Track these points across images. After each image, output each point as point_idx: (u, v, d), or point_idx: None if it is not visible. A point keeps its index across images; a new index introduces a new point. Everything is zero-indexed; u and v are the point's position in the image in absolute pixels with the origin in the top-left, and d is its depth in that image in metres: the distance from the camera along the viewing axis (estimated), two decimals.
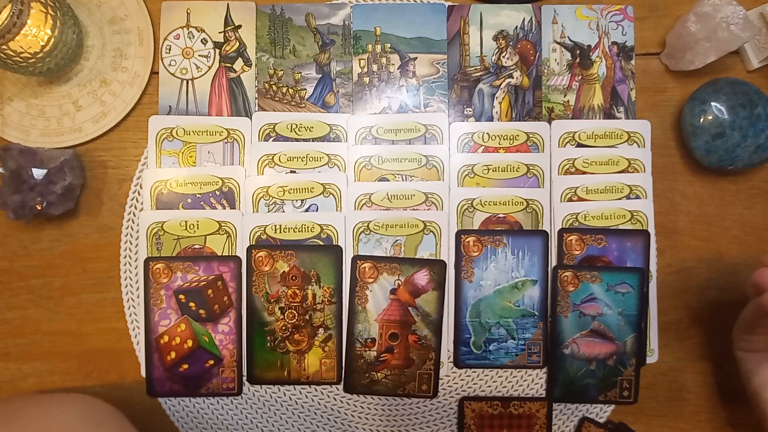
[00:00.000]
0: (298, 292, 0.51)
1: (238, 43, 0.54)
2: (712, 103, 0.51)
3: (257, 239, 0.51)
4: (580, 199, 0.52)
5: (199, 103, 0.53)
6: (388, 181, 0.52)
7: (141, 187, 0.53)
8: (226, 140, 0.52)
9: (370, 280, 0.51)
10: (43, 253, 0.53)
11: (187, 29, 0.54)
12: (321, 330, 0.51)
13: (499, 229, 0.52)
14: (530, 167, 0.53)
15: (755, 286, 0.43)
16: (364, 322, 0.51)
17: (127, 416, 0.45)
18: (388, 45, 0.54)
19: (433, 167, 0.52)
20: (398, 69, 0.54)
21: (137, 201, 0.53)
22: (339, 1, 0.54)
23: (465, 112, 0.54)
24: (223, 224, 0.51)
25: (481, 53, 0.54)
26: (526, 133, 0.53)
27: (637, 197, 0.52)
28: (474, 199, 0.52)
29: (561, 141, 0.53)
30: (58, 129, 0.52)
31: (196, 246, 0.51)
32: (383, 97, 0.54)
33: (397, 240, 0.52)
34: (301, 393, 0.53)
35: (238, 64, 0.54)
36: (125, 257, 0.53)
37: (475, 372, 0.53)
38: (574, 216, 0.52)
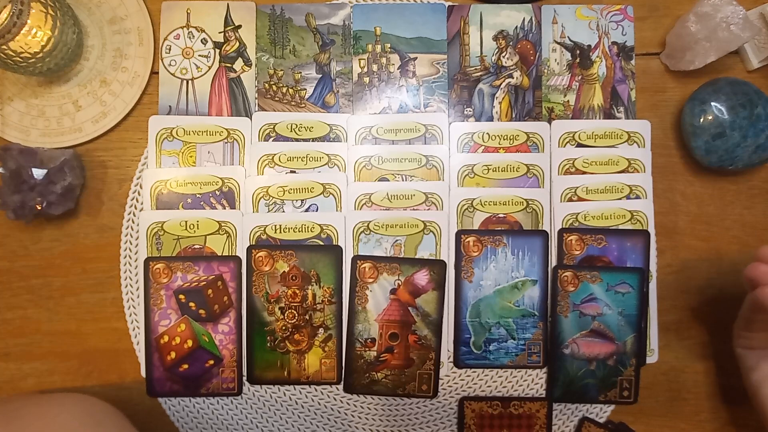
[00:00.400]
0: (298, 292, 0.51)
1: (238, 43, 0.54)
2: (712, 103, 0.51)
3: (257, 239, 0.51)
4: (580, 199, 0.52)
5: (199, 103, 0.53)
6: (388, 181, 0.52)
7: (141, 187, 0.53)
8: (226, 140, 0.52)
9: (370, 280, 0.51)
10: (43, 253, 0.53)
11: (187, 29, 0.54)
12: (321, 330, 0.51)
13: (499, 229, 0.52)
14: (530, 167, 0.53)
15: (749, 280, 0.43)
16: (364, 322, 0.51)
17: (127, 416, 0.45)
18: (388, 45, 0.54)
19: (433, 167, 0.52)
20: (398, 69, 0.54)
21: (137, 201, 0.53)
22: (339, 1, 0.54)
23: (465, 112, 0.54)
24: (223, 224, 0.51)
25: (481, 53, 0.54)
26: (526, 133, 0.53)
27: (637, 197, 0.52)
28: (474, 199, 0.52)
29: (561, 141, 0.53)
30: (58, 129, 0.52)
31: (196, 246, 0.51)
32: (383, 97, 0.54)
33: (397, 240, 0.52)
34: (301, 393, 0.53)
35: (238, 64, 0.54)
36: (125, 257, 0.53)
37: (475, 372, 0.53)
38: (574, 216, 0.52)
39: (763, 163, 0.53)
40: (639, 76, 0.54)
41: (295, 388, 0.53)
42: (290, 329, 0.51)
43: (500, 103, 0.54)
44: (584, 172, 0.53)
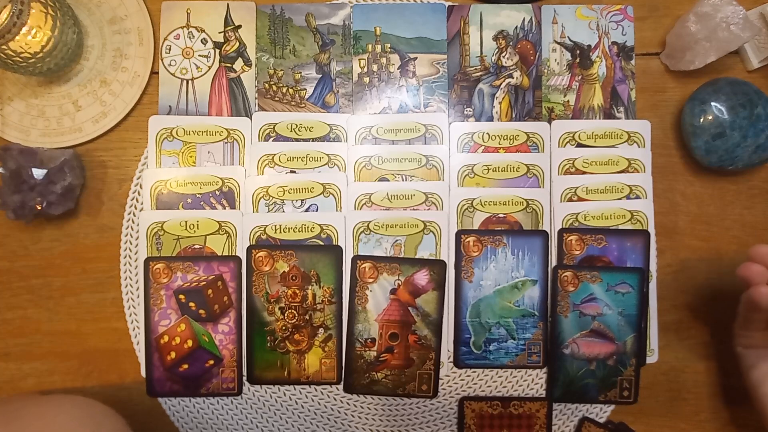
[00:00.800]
0: (298, 292, 0.51)
1: (238, 43, 0.54)
2: (712, 103, 0.51)
3: (257, 239, 0.51)
4: (580, 199, 0.52)
5: (199, 103, 0.53)
6: (388, 181, 0.52)
7: (141, 187, 0.53)
8: (226, 140, 0.52)
9: (370, 280, 0.51)
10: (43, 253, 0.53)
11: (187, 29, 0.54)
12: (321, 330, 0.51)
13: (499, 229, 0.52)
14: (530, 167, 0.53)
15: (742, 279, 0.44)
16: (364, 322, 0.51)
17: (127, 416, 0.45)
18: (388, 45, 0.54)
19: (433, 167, 0.52)
20: (398, 69, 0.54)
21: (137, 201, 0.53)
22: (339, 1, 0.54)
23: (465, 112, 0.54)
24: (223, 224, 0.51)
25: (481, 53, 0.54)
26: (526, 133, 0.53)
27: (637, 197, 0.52)
28: (474, 199, 0.52)
29: (561, 141, 0.53)
30: (58, 129, 0.52)
31: (196, 246, 0.51)
32: (383, 97, 0.54)
33: (397, 240, 0.52)
34: (301, 393, 0.53)
35: (238, 64, 0.54)
36: (125, 257, 0.53)
37: (475, 372, 0.53)
38: (574, 216, 0.52)
39: (763, 163, 0.53)
40: (639, 76, 0.54)
41: (295, 388, 0.53)
42: (290, 329, 0.51)
43: (500, 103, 0.54)
44: (584, 172, 0.53)
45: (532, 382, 0.53)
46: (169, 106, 0.53)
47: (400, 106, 0.54)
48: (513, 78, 0.54)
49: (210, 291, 0.51)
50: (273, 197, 0.52)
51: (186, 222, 0.51)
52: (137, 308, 0.52)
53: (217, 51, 0.54)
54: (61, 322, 0.53)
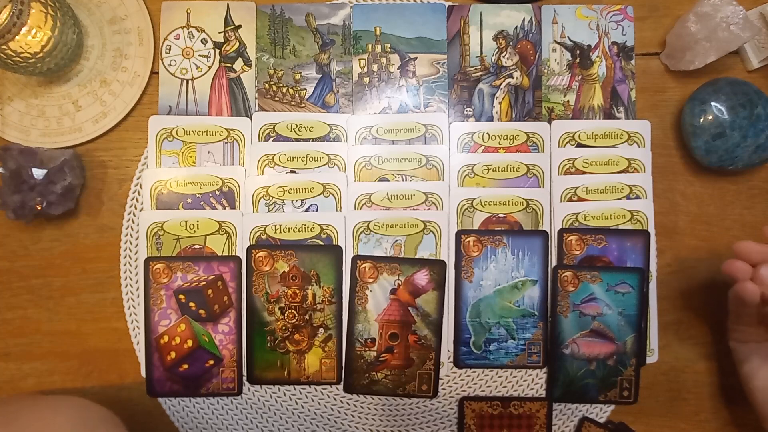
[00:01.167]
0: (298, 292, 0.51)
1: (238, 43, 0.54)
2: (712, 103, 0.51)
3: (257, 239, 0.51)
4: (580, 199, 0.52)
5: (199, 103, 0.53)
6: (388, 181, 0.52)
7: (141, 187, 0.53)
8: (226, 140, 0.52)
9: (370, 280, 0.51)
10: (43, 253, 0.53)
11: (187, 29, 0.54)
12: (321, 330, 0.51)
13: (499, 229, 0.52)
14: (530, 167, 0.53)
15: (727, 275, 0.45)
16: (364, 322, 0.51)
17: (127, 416, 0.45)
18: (388, 45, 0.54)
19: (433, 167, 0.52)
20: (398, 69, 0.54)
21: (137, 201, 0.53)
22: (339, 1, 0.54)
23: (465, 112, 0.54)
24: (223, 224, 0.51)
25: (481, 53, 0.54)
26: (526, 133, 0.53)
27: (637, 197, 0.52)
28: (474, 199, 0.52)
29: (561, 141, 0.53)
30: (58, 129, 0.52)
31: (196, 246, 0.51)
32: (383, 97, 0.54)
33: (397, 240, 0.52)
34: (301, 393, 0.53)
35: (238, 64, 0.54)
36: (125, 257, 0.53)
37: (475, 372, 0.53)
38: (574, 216, 0.52)
39: (763, 163, 0.53)
40: (639, 76, 0.54)
41: (295, 388, 0.53)
42: (290, 329, 0.51)
43: (500, 103, 0.54)
44: (584, 172, 0.53)
45: (532, 382, 0.53)
46: (169, 106, 0.53)
47: (400, 106, 0.54)
48: (513, 78, 0.54)
49: (210, 291, 0.51)
50: (273, 197, 0.52)
51: (186, 222, 0.51)
52: (137, 308, 0.52)
53: (217, 51, 0.54)
54: (61, 322, 0.53)
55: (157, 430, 0.53)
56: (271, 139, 0.53)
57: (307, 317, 0.51)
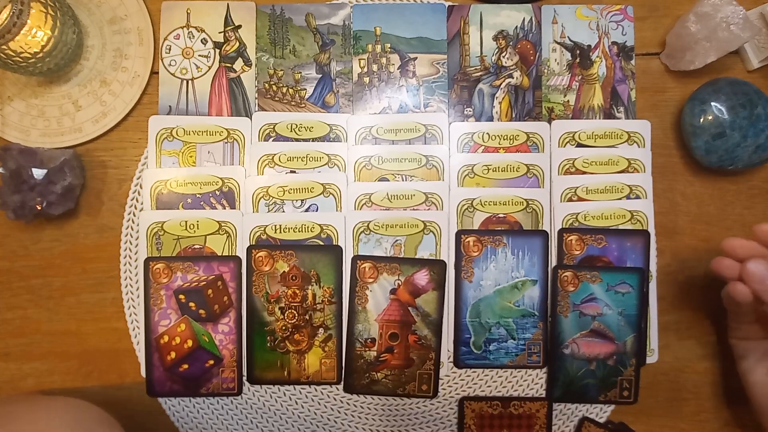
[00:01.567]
0: (298, 292, 0.51)
1: (238, 43, 0.54)
2: (712, 103, 0.51)
3: (257, 239, 0.51)
4: (580, 199, 0.52)
5: (199, 103, 0.53)
6: (388, 181, 0.52)
7: (141, 187, 0.53)
8: (226, 140, 0.52)
9: (370, 280, 0.51)
10: (43, 253, 0.53)
11: (187, 29, 0.54)
12: (321, 330, 0.51)
13: (499, 229, 0.52)
14: (530, 167, 0.53)
15: (715, 273, 0.46)
16: (364, 322, 0.51)
17: (127, 416, 0.45)
18: (388, 45, 0.54)
19: (433, 167, 0.52)
20: (398, 69, 0.54)
21: (137, 201, 0.53)
22: (339, 1, 0.54)
23: (465, 112, 0.54)
24: (223, 224, 0.51)
25: (481, 53, 0.54)
26: (526, 133, 0.53)
27: (637, 197, 0.52)
28: (474, 199, 0.52)
29: (561, 141, 0.53)
30: (58, 129, 0.52)
31: (196, 246, 0.51)
32: (383, 97, 0.54)
33: (397, 240, 0.52)
34: (301, 393, 0.53)
35: (238, 64, 0.54)
36: (125, 257, 0.53)
37: (475, 372, 0.53)
38: (574, 216, 0.52)
39: (763, 163, 0.53)
40: (639, 76, 0.54)
41: (295, 388, 0.53)
42: (290, 329, 0.51)
43: (500, 103, 0.54)
44: (584, 172, 0.53)
45: (532, 382, 0.53)
46: (169, 106, 0.53)
47: (400, 106, 0.54)
48: (513, 78, 0.54)
49: (210, 291, 0.51)
50: (273, 197, 0.52)
51: (186, 222, 0.51)
52: (137, 308, 0.52)
53: (217, 51, 0.54)
54: (61, 322, 0.53)
55: (157, 430, 0.53)
56: (271, 139, 0.53)
57: (307, 317, 0.51)
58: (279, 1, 0.54)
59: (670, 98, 0.55)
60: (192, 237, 0.51)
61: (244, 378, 0.52)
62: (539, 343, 0.52)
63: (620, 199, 0.52)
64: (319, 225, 0.51)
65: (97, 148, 0.53)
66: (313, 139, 0.53)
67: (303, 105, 0.54)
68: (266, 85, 0.54)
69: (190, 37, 0.54)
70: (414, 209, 0.52)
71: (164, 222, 0.51)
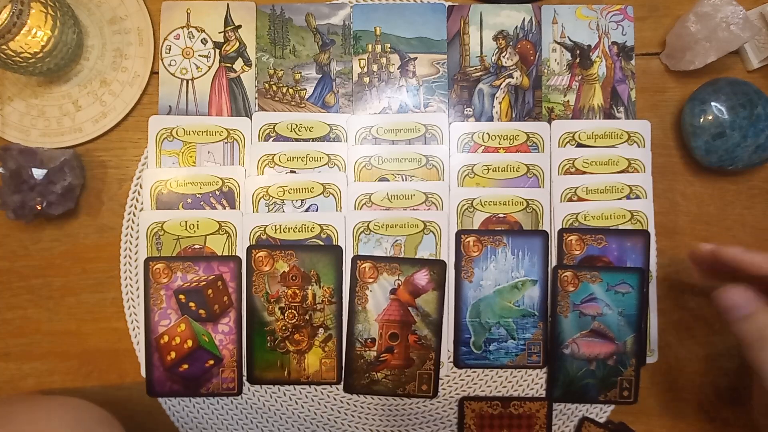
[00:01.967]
0: (298, 292, 0.51)
1: (238, 43, 0.54)
2: (712, 103, 0.51)
3: (257, 239, 0.51)
4: (580, 199, 0.52)
5: (199, 103, 0.53)
6: (388, 181, 0.52)
7: (141, 187, 0.53)
8: (226, 140, 0.52)
9: (370, 280, 0.51)
10: (43, 253, 0.53)
11: (187, 29, 0.54)
12: (321, 330, 0.51)
13: (499, 229, 0.52)
14: (530, 167, 0.53)
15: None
16: (364, 322, 0.51)
17: (127, 416, 0.45)
18: (388, 45, 0.54)
19: (433, 167, 0.52)
20: (398, 69, 0.54)
21: (137, 201, 0.53)
22: (339, 1, 0.54)
23: (465, 112, 0.54)
24: (223, 224, 0.51)
25: (481, 53, 0.54)
26: (526, 133, 0.53)
27: (637, 197, 0.52)
28: (474, 199, 0.52)
29: (561, 141, 0.53)
30: (58, 129, 0.52)
31: (196, 246, 0.51)
32: (383, 97, 0.54)
33: (397, 240, 0.52)
34: (301, 393, 0.53)
35: (238, 64, 0.54)
36: (125, 257, 0.53)
37: (475, 372, 0.53)
38: (574, 216, 0.52)
39: (763, 163, 0.53)
40: (639, 76, 0.55)
41: (295, 388, 0.53)
42: (290, 329, 0.51)
43: (500, 103, 0.54)
44: (584, 172, 0.53)
45: (532, 382, 0.53)
46: (169, 106, 0.53)
47: (400, 106, 0.54)
48: (513, 78, 0.54)
49: (210, 291, 0.51)
50: (273, 197, 0.52)
51: (186, 222, 0.51)
52: (137, 308, 0.52)
53: (217, 51, 0.54)
54: (61, 322, 0.53)
55: (157, 430, 0.53)
56: (271, 139, 0.53)
57: (307, 317, 0.51)
58: (279, 1, 0.54)
59: (670, 98, 0.55)
60: (192, 237, 0.51)
61: (244, 378, 0.52)
62: (539, 343, 0.52)
63: (620, 199, 0.52)
64: (319, 225, 0.51)
65: (97, 148, 0.53)
66: (313, 139, 0.53)
67: (303, 105, 0.54)
68: (266, 85, 0.54)
69: (190, 37, 0.54)
70: (414, 209, 0.52)
71: (164, 222, 0.51)
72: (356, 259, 0.51)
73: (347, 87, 0.54)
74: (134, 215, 0.53)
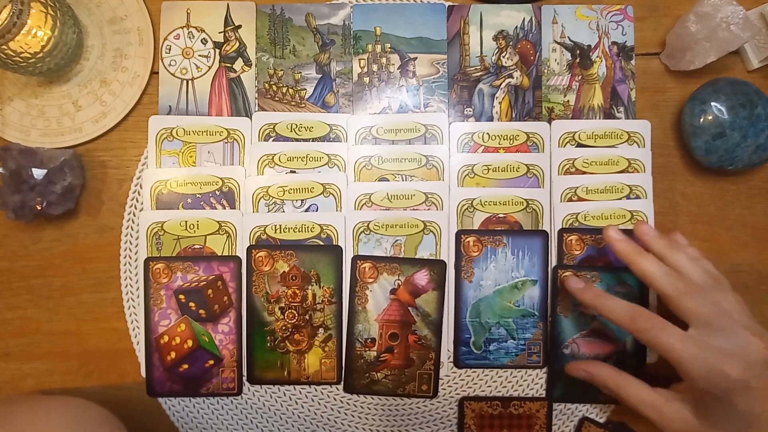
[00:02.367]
0: (298, 292, 0.51)
1: (238, 43, 0.54)
2: (712, 103, 0.51)
3: (257, 239, 0.51)
4: (580, 199, 0.52)
5: (199, 103, 0.53)
6: (388, 181, 0.52)
7: (141, 187, 0.53)
8: (226, 140, 0.52)
9: (370, 280, 0.51)
10: (43, 253, 0.53)
11: (187, 29, 0.54)
12: (321, 330, 0.51)
13: (499, 229, 0.52)
14: (530, 167, 0.53)
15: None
16: (364, 322, 0.51)
17: (127, 416, 0.45)
18: (388, 45, 0.54)
19: (433, 167, 0.52)
20: (398, 69, 0.54)
21: (137, 201, 0.53)
22: (339, 1, 0.54)
23: (465, 112, 0.54)
24: (223, 224, 0.51)
25: (481, 53, 0.54)
26: (526, 133, 0.53)
27: (637, 197, 0.52)
28: (474, 199, 0.52)
29: (561, 141, 0.53)
30: (58, 129, 0.52)
31: (196, 246, 0.51)
32: (383, 97, 0.54)
33: (397, 240, 0.52)
34: (301, 393, 0.53)
35: (238, 64, 0.54)
36: (125, 257, 0.53)
37: (475, 372, 0.53)
38: (574, 216, 0.52)
39: (763, 163, 0.53)
40: (639, 76, 0.54)
41: (295, 388, 0.53)
42: (290, 329, 0.51)
43: (500, 103, 0.54)
44: (584, 172, 0.53)
45: (532, 382, 0.53)
46: (169, 106, 0.53)
47: (400, 106, 0.54)
48: (513, 78, 0.54)
49: (210, 291, 0.51)
50: (273, 197, 0.52)
51: (186, 222, 0.51)
52: (137, 308, 0.52)
53: (217, 51, 0.54)
54: (61, 322, 0.53)
55: (157, 430, 0.53)
56: (271, 139, 0.53)
57: (307, 317, 0.51)
58: (279, 1, 0.54)
59: (670, 98, 0.55)
60: (192, 237, 0.51)
61: (244, 378, 0.52)
62: (539, 343, 0.52)
63: (620, 199, 0.52)
64: (319, 225, 0.51)
65: (97, 148, 0.53)
66: (313, 139, 0.53)
67: (303, 105, 0.54)
68: (266, 85, 0.54)
69: (190, 37, 0.54)
70: (414, 209, 0.52)
71: (164, 222, 0.51)
72: (356, 259, 0.51)
73: (347, 87, 0.54)
74: (134, 215, 0.53)
